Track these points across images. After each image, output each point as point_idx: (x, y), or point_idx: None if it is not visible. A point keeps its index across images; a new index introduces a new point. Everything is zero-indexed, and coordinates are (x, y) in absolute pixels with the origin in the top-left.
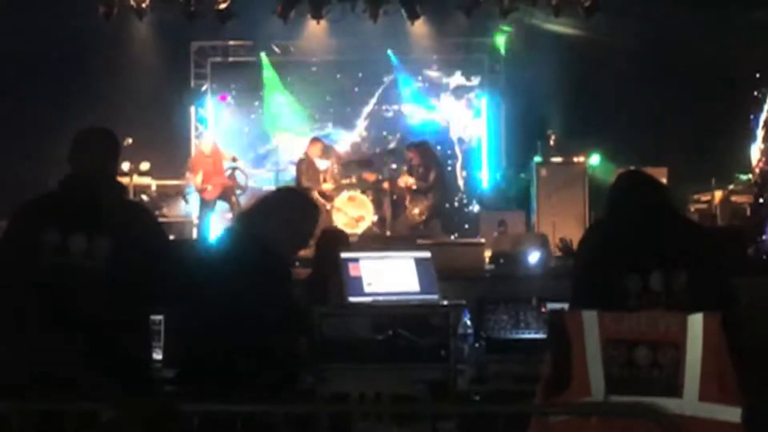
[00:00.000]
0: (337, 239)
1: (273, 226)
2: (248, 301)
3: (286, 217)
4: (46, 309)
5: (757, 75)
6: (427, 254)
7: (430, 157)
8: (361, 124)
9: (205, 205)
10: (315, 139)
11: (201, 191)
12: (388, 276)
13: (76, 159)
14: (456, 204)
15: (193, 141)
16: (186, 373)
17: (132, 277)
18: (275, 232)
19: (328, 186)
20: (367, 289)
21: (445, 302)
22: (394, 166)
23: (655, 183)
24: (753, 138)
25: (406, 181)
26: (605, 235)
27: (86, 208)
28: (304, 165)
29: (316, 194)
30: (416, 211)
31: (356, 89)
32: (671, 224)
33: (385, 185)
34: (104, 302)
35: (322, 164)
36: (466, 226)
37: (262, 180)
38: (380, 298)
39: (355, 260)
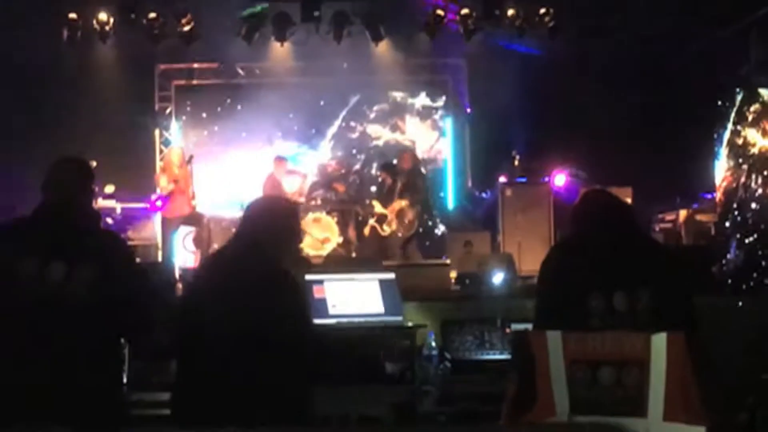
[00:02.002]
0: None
1: (267, 234)
2: (266, 318)
3: (273, 224)
4: (24, 337)
5: (719, 98)
6: (391, 276)
7: (406, 169)
8: (326, 144)
9: (169, 226)
10: (279, 159)
11: (163, 209)
12: (353, 298)
13: (51, 188)
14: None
15: (158, 164)
16: (184, 397)
17: (109, 305)
18: (272, 239)
19: None
20: (331, 311)
21: (410, 324)
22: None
23: (619, 203)
24: (716, 156)
25: (399, 204)
26: (569, 255)
27: (64, 236)
28: (269, 184)
29: None
30: (407, 219)
31: (321, 110)
32: (634, 244)
33: (354, 207)
34: (82, 330)
35: (287, 184)
36: (427, 242)
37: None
38: (345, 320)
39: (320, 282)
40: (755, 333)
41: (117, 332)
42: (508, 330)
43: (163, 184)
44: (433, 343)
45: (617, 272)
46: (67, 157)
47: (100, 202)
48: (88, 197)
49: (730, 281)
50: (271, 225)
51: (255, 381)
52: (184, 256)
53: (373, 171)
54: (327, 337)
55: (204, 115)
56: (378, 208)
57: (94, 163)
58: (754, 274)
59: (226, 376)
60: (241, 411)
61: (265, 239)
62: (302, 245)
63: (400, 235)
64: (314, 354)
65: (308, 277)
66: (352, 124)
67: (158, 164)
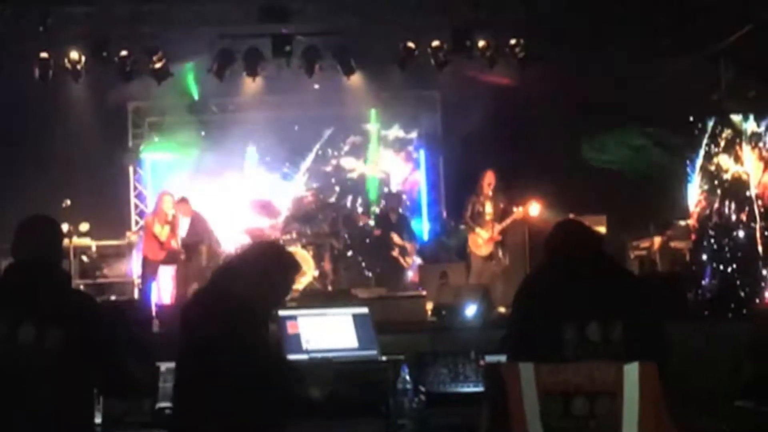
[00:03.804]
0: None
1: (249, 280)
2: (227, 358)
3: (262, 270)
4: None
5: (690, 119)
6: (364, 310)
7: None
8: (301, 178)
9: (149, 265)
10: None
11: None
12: (327, 333)
13: (20, 248)
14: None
15: (132, 201)
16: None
17: (81, 366)
18: (251, 285)
19: None
20: (305, 346)
21: (384, 357)
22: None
23: (592, 233)
24: (689, 183)
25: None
26: (542, 285)
27: (34, 297)
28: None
29: None
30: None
31: (295, 144)
32: (607, 274)
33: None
34: (53, 391)
35: (262, 220)
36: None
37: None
38: (318, 355)
39: (293, 318)
40: (729, 359)
41: (89, 391)
42: (482, 362)
43: (158, 230)
44: (408, 377)
45: (590, 303)
46: (35, 217)
47: (75, 241)
48: (58, 257)
49: (705, 307)
50: (260, 279)
51: (229, 418)
52: (163, 293)
53: (348, 203)
54: (298, 372)
55: (177, 151)
56: (397, 240)
57: (68, 202)
58: (729, 301)
59: (209, 410)
60: None
61: (247, 292)
62: None
63: None
64: (284, 389)
65: (281, 312)
66: (326, 157)
67: (132, 201)
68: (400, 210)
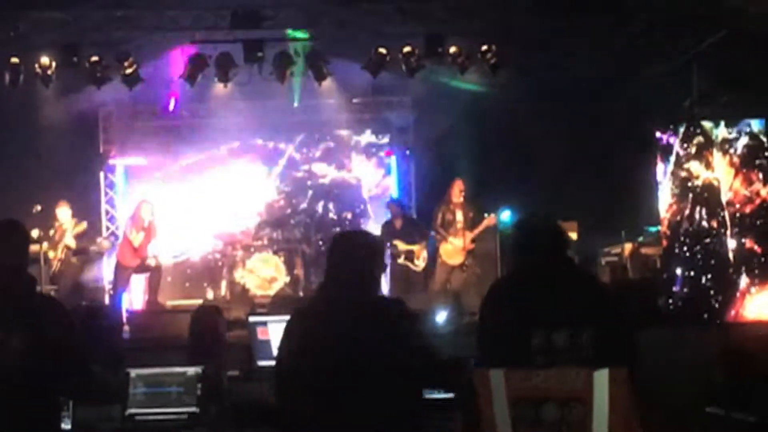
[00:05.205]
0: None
1: (374, 280)
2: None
3: (377, 264)
4: None
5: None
6: None
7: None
8: (272, 183)
9: (121, 271)
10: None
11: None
12: None
13: None
14: None
15: (103, 207)
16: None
17: (45, 370)
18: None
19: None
20: (275, 352)
21: None
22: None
23: (556, 235)
24: (660, 189)
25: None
26: (508, 291)
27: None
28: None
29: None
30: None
31: (266, 150)
32: (573, 280)
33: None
34: (17, 394)
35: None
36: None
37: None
38: None
39: (263, 324)
40: (700, 366)
41: (55, 395)
42: None
43: (133, 236)
44: None
45: (557, 309)
46: (1, 222)
47: (45, 246)
48: (23, 261)
49: (675, 314)
50: (370, 258)
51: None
52: (134, 299)
53: (319, 209)
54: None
55: (148, 156)
56: (402, 246)
57: (39, 207)
58: (700, 308)
59: (343, 408)
60: None
61: (364, 272)
62: (248, 285)
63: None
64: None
65: (252, 319)
66: (298, 162)
67: (103, 207)
68: (404, 214)
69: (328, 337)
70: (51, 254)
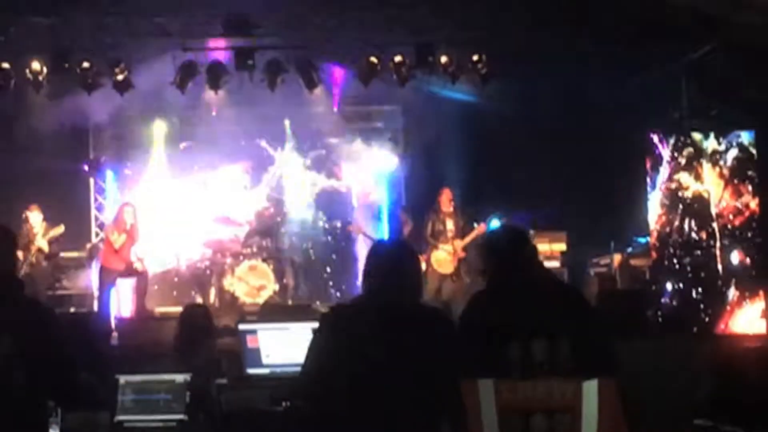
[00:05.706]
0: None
1: (413, 279)
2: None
3: (414, 266)
4: None
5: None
6: None
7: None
8: (263, 191)
9: (106, 274)
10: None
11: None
12: (287, 347)
13: None
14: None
15: (93, 213)
16: None
17: (31, 375)
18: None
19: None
20: (265, 360)
21: None
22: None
23: (517, 244)
24: (649, 200)
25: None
26: (485, 304)
27: None
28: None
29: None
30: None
31: (256, 158)
32: (550, 291)
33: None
34: (5, 402)
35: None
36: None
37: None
38: (278, 369)
39: (253, 332)
40: (689, 378)
41: (42, 401)
42: None
43: (114, 238)
44: None
45: (534, 321)
46: None
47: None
48: (10, 264)
49: (664, 325)
50: (412, 267)
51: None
52: (122, 306)
53: (309, 217)
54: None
55: (139, 163)
56: None
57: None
58: (688, 319)
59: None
60: None
61: (414, 280)
62: (237, 293)
63: None
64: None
65: (241, 326)
66: (288, 171)
67: (93, 213)
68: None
69: (380, 344)
70: (20, 255)
